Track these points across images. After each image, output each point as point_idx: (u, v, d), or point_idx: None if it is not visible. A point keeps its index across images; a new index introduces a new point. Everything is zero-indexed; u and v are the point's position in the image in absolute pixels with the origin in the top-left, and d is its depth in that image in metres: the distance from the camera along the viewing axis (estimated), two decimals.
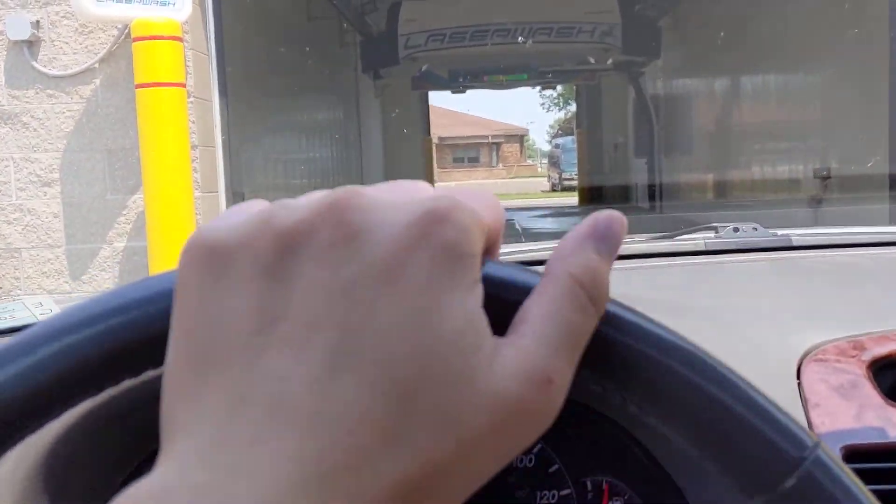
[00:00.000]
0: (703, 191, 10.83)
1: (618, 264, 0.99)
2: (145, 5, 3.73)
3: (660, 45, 10.97)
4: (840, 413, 0.59)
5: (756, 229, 1.13)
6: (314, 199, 0.28)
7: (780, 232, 1.14)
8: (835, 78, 6.71)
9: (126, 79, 3.99)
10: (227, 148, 4.42)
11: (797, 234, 1.13)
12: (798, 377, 0.62)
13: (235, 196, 7.25)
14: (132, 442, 0.55)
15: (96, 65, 4.12)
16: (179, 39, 3.76)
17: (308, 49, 10.16)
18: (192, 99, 4.02)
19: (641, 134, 12.39)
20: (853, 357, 0.64)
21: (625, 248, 1.10)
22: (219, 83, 4.29)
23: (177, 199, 3.69)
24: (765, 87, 8.94)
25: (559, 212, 15.29)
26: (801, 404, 0.60)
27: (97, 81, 4.12)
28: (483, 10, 11.24)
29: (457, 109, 40.79)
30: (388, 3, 11.69)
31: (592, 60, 11.71)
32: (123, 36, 4.01)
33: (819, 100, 7.29)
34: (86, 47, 4.12)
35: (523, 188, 31.19)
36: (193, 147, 4.03)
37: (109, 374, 0.31)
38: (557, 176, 30.57)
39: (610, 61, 11.43)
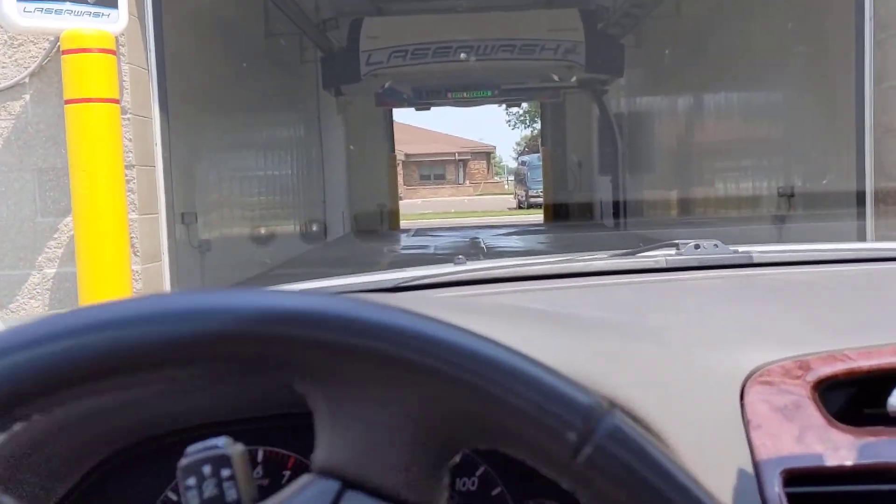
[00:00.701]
0: (667, 208, 10.79)
1: (577, 282, 1.00)
2: (77, 17, 3.50)
3: (623, 62, 10.95)
4: (782, 435, 0.59)
5: (717, 246, 1.13)
6: None
7: (740, 249, 1.13)
8: (798, 95, 6.67)
9: (58, 94, 3.75)
10: (169, 167, 4.19)
11: (758, 252, 1.13)
12: (742, 398, 0.62)
13: (186, 217, 7.01)
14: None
15: (26, 79, 3.87)
16: (113, 52, 3.54)
17: (267, 65, 9.94)
18: (128, 116, 3.79)
19: (606, 151, 12.36)
20: (798, 378, 0.63)
21: (585, 266, 1.11)
22: (159, 99, 4.06)
23: (108, 223, 3.45)
24: (728, 104, 8.92)
25: (524, 230, 15.19)
26: (742, 425, 0.59)
27: (27, 97, 3.88)
28: (446, 27, 11.13)
29: (423, 126, 40.74)
30: (349, 20, 11.55)
31: (556, 78, 11.65)
32: (55, 49, 3.78)
33: (783, 117, 7.26)
34: (15, 60, 3.87)
35: (490, 205, 31.14)
36: (130, 167, 3.79)
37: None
38: (524, 193, 30.55)
39: (573, 79, 11.37)
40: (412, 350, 0.38)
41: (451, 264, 1.20)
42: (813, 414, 0.60)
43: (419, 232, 15.82)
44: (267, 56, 10.01)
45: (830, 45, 5.68)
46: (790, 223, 6.67)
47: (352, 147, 15.91)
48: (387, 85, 12.22)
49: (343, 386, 0.39)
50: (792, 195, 6.59)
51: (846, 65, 4.55)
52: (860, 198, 3.95)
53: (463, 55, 10.75)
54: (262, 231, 9.59)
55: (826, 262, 1.14)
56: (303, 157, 11.82)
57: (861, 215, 3.93)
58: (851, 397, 0.64)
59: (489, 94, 12.80)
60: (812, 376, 0.63)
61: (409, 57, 10.95)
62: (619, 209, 11.71)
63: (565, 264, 1.13)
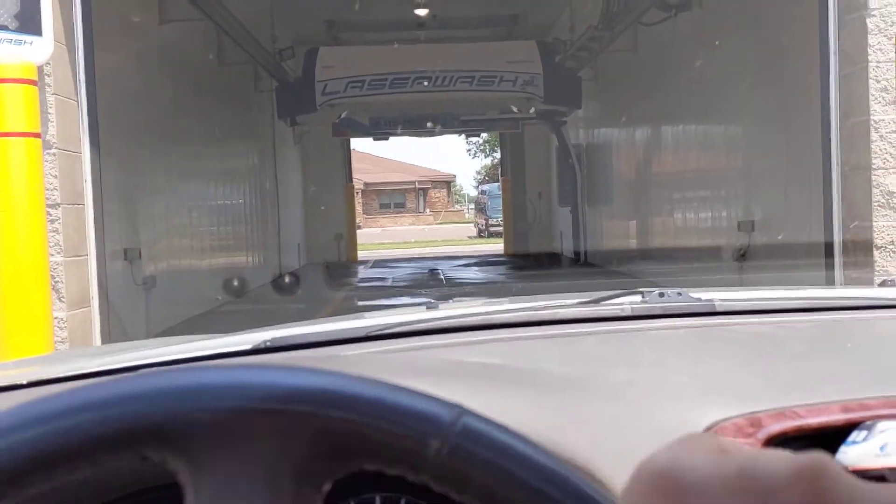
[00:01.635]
0: (625, 238, 10.71)
1: (543, 331, 1.08)
2: None
3: (580, 95, 10.91)
4: None
5: (680, 294, 1.14)
6: (794, 467, 0.29)
7: (703, 297, 1.15)
8: (760, 129, 6.62)
9: None
10: (100, 204, 3.90)
11: (720, 300, 1.14)
12: None
13: (129, 252, 6.68)
14: None
15: None
16: (35, 83, 3.26)
17: (220, 94, 9.67)
18: (53, 150, 3.50)
19: (565, 182, 12.28)
20: (749, 435, 0.65)
21: (552, 314, 1.13)
22: (90, 132, 3.78)
23: (27, 266, 3.16)
24: (686, 136, 8.89)
25: (484, 261, 15.03)
26: None
27: None
28: (404, 58, 10.99)
29: (383, 155, 40.62)
30: (304, 49, 11.35)
31: (515, 109, 11.58)
32: None
33: (742, 150, 7.22)
34: None
35: (450, 234, 31.00)
36: (54, 205, 3.50)
37: None
38: (484, 222, 30.54)
39: (532, 110, 11.32)
40: (262, 402, 0.41)
41: (423, 308, 1.24)
42: None
43: (377, 263, 15.55)
44: (220, 85, 9.74)
45: (793, 78, 5.63)
46: (751, 260, 6.58)
47: (308, 177, 15.66)
48: (343, 115, 12.02)
49: (203, 452, 0.41)
50: (752, 229, 6.50)
51: (809, 99, 4.46)
52: (828, 235, 3.82)
53: (422, 85, 10.62)
54: (213, 265, 9.25)
55: (784, 311, 1.16)
56: (257, 187, 11.52)
57: (829, 251, 3.81)
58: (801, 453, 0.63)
59: (447, 124, 12.69)
60: (763, 433, 0.66)
61: (366, 87, 10.77)
62: (579, 241, 11.60)
63: (532, 312, 1.14)
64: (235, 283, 9.55)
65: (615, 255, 10.54)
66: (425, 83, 10.78)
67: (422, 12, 12.43)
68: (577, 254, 11.74)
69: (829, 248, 3.72)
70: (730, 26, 6.98)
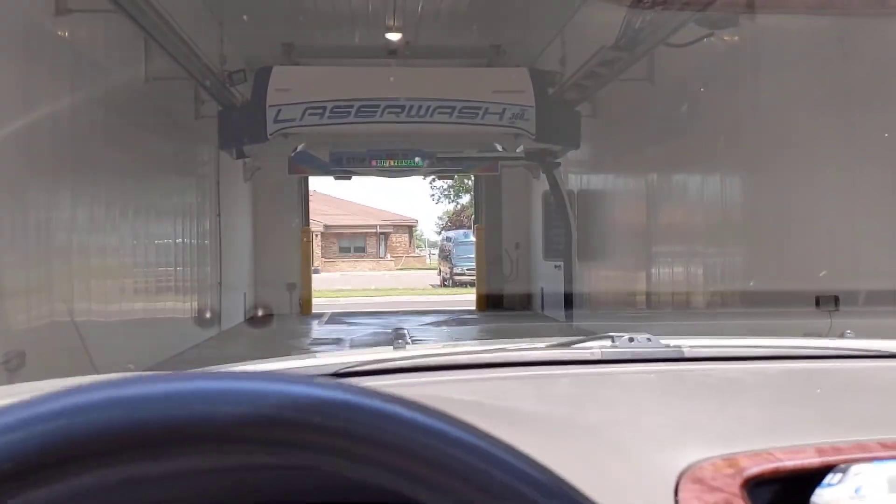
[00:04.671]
0: (629, 301, 9.13)
1: (515, 372, 1.09)
2: None
3: (578, 132, 9.40)
4: None
5: (649, 339, 1.15)
6: None
7: (672, 343, 1.16)
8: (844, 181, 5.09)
9: None
10: None
11: (688, 346, 1.16)
12: (676, 494, 0.63)
13: None
14: None
15: None
16: None
17: (144, 116, 7.95)
18: None
19: (554, 234, 10.68)
20: (728, 476, 0.66)
21: (523, 356, 1.16)
22: None
23: None
24: (703, 184, 7.40)
25: (455, 318, 13.32)
26: None
27: None
28: (373, 82, 9.42)
29: (343, 197, 39.05)
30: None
31: (500, 147, 10.01)
32: None
33: (776, 204, 5.74)
34: None
35: (412, 282, 29.40)
36: None
37: None
38: (449, 270, 29.08)
39: (520, 149, 9.76)
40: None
41: (391, 347, 1.24)
42: None
43: (333, 318, 13.72)
44: (145, 105, 8.02)
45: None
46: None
47: (259, 219, 13.91)
48: (299, 148, 10.33)
49: None
50: (836, 306, 4.93)
51: None
52: None
53: (393, 115, 8.99)
54: (130, 322, 7.39)
55: (751, 359, 1.19)
56: (193, 229, 9.72)
57: None
58: (777, 494, 0.67)
59: (421, 163, 11.03)
60: (741, 475, 0.66)
61: (326, 115, 9.11)
62: (571, 300, 9.94)
63: (503, 353, 1.16)
64: (207, 314, 8.09)
65: (612, 318, 8.94)
66: (397, 113, 9.16)
67: (394, 37, 10.94)
68: (568, 315, 10.07)
69: None
70: (792, 50, 5.51)
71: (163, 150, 8.62)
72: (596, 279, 10.04)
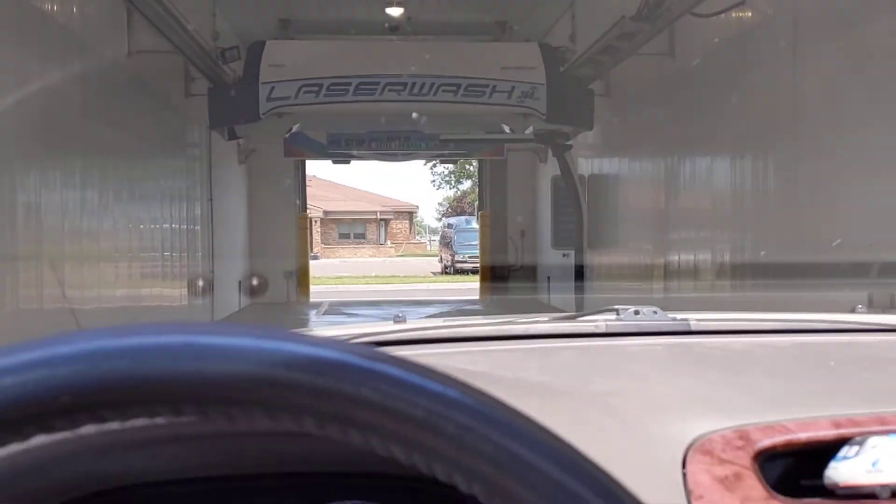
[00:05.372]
0: (647, 279, 8.60)
1: (518, 344, 1.08)
2: None
3: (592, 112, 8.83)
4: None
5: (656, 313, 1.12)
6: None
7: (679, 316, 1.13)
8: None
9: None
10: None
11: (696, 319, 1.14)
12: (684, 467, 0.62)
13: None
14: None
15: None
16: None
17: (126, 93, 7.40)
18: None
19: (564, 220, 10.13)
20: (739, 448, 0.64)
21: (526, 329, 1.13)
22: None
23: None
24: (724, 168, 6.86)
25: (459, 308, 12.80)
26: (685, 495, 0.60)
27: None
28: (373, 57, 8.86)
29: (343, 182, 38.54)
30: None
31: (508, 129, 9.45)
32: None
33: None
34: None
35: (413, 268, 28.94)
36: None
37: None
38: (450, 258, 28.61)
39: (529, 130, 9.20)
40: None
41: (391, 322, 1.21)
42: (754, 485, 0.61)
43: (332, 308, 13.21)
44: (128, 81, 7.46)
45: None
46: None
47: (255, 204, 13.37)
48: (295, 129, 9.77)
49: None
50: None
51: None
52: None
53: (394, 93, 8.43)
54: (108, 313, 6.87)
55: (761, 332, 1.15)
56: (182, 214, 9.18)
57: None
58: (789, 468, 0.66)
59: (423, 145, 10.46)
60: (752, 447, 0.64)
61: (323, 93, 8.53)
62: (581, 292, 9.40)
63: (507, 326, 1.14)
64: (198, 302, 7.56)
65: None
66: (399, 91, 8.59)
67: (395, 12, 10.37)
68: (578, 303, 9.54)
69: None
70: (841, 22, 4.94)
71: (144, 128, 8.06)
72: (608, 269, 9.52)
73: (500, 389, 0.65)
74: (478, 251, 16.23)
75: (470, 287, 16.90)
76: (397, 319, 1.22)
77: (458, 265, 26.80)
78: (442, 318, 1.42)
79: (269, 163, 12.56)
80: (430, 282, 24.28)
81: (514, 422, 0.39)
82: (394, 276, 24.83)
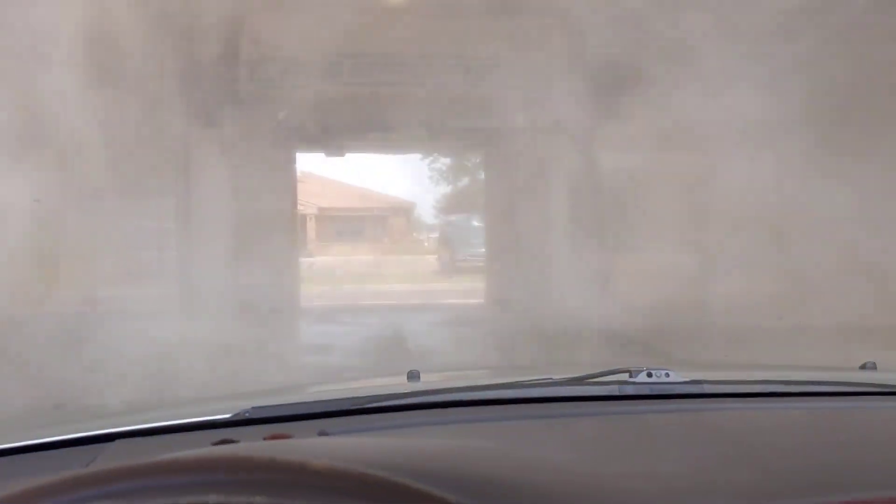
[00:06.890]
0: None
1: (533, 410, 1.17)
2: None
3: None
4: None
5: (668, 375, 1.15)
6: None
7: (691, 378, 1.15)
8: None
9: None
10: None
11: (710, 382, 1.16)
12: None
13: None
14: None
15: None
16: None
17: (96, 76, 6.41)
18: None
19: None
20: None
21: (540, 392, 1.16)
22: None
23: None
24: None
25: (466, 318, 11.83)
26: None
27: None
28: (372, 32, 7.93)
29: (338, 179, 37.98)
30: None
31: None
32: None
33: None
34: None
35: (409, 267, 28.27)
36: None
37: None
38: (449, 256, 27.99)
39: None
40: None
41: (405, 378, 1.28)
42: None
43: (321, 318, 12.22)
44: (100, 63, 6.49)
45: None
46: None
47: (242, 200, 12.45)
48: (282, 115, 8.88)
49: None
50: None
51: None
52: None
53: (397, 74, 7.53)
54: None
55: (771, 396, 1.16)
56: (149, 209, 8.24)
57: None
58: None
59: (430, 136, 9.60)
60: None
61: (314, 73, 7.59)
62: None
63: (519, 390, 1.17)
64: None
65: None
66: (401, 72, 7.69)
67: None
68: None
69: None
70: None
71: (117, 115, 7.08)
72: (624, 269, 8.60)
73: (539, 474, 0.70)
74: (480, 249, 15.43)
75: (474, 287, 16.03)
76: (411, 377, 1.28)
77: (458, 264, 26.16)
78: (454, 375, 1.46)
79: (255, 154, 11.67)
80: (434, 283, 23.56)
81: None
82: (393, 276, 24.08)
